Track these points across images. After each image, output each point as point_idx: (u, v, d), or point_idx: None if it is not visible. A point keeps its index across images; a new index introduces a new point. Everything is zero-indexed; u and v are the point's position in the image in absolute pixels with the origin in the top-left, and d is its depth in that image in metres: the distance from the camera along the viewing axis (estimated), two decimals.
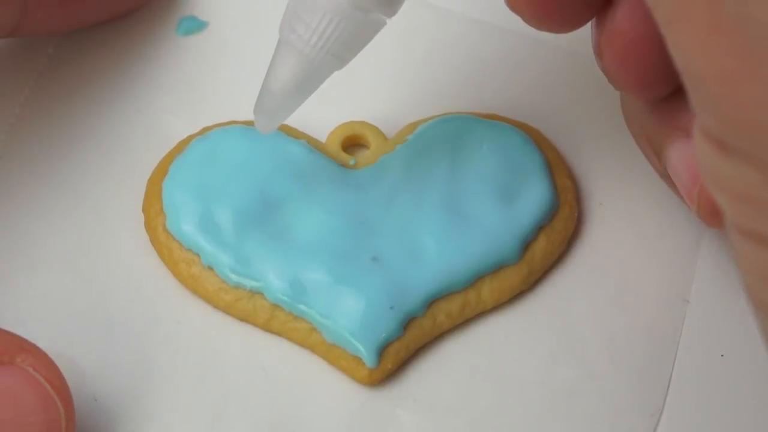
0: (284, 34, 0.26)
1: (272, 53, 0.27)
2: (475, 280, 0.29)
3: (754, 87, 0.18)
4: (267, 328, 0.29)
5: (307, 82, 0.27)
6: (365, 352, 0.28)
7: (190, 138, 0.31)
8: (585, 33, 0.33)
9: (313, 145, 0.31)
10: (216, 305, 0.29)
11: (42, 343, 0.26)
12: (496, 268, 0.29)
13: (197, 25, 0.34)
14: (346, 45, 0.26)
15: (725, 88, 0.18)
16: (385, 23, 0.27)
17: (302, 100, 0.28)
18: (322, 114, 0.32)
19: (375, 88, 0.33)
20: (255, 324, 0.29)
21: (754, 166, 0.18)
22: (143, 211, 0.30)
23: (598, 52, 0.26)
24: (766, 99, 0.18)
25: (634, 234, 0.31)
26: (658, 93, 0.26)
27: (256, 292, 0.29)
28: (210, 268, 0.29)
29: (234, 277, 0.29)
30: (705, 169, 0.19)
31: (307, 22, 0.26)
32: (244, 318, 0.29)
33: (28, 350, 0.25)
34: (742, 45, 0.18)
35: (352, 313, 0.28)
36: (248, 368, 0.29)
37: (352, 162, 0.31)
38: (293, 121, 0.32)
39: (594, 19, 0.26)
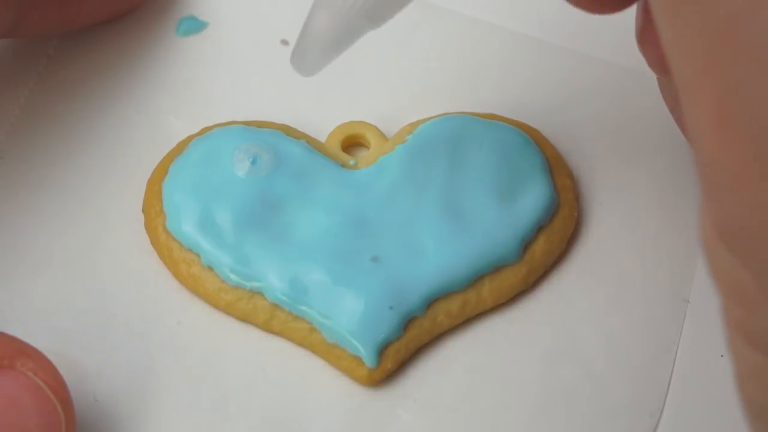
0: None
1: (310, 9, 0.26)
2: (475, 279, 0.29)
3: (754, 191, 0.16)
4: (267, 328, 0.29)
5: (342, 41, 0.26)
6: (365, 352, 0.28)
7: (190, 138, 0.31)
8: (585, 33, 0.34)
9: (313, 145, 0.31)
10: (216, 305, 0.29)
11: (42, 344, 0.26)
12: (496, 268, 0.29)
13: (197, 26, 0.34)
14: (380, 8, 0.26)
15: (729, 184, 0.16)
16: None
17: (338, 54, 0.27)
18: (322, 114, 0.32)
19: (375, 88, 0.33)
20: (255, 324, 0.29)
21: (749, 271, 0.17)
22: (143, 211, 0.30)
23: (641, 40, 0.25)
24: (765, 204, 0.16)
25: (634, 234, 0.31)
26: None
27: (256, 292, 0.29)
28: (210, 268, 0.29)
29: (234, 277, 0.29)
30: (705, 249, 0.18)
31: None
32: (244, 318, 0.29)
33: (28, 354, 0.25)
34: (750, 144, 0.16)
35: (352, 313, 0.28)
36: (248, 368, 0.29)
37: (352, 162, 0.31)
38: (293, 121, 0.32)
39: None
